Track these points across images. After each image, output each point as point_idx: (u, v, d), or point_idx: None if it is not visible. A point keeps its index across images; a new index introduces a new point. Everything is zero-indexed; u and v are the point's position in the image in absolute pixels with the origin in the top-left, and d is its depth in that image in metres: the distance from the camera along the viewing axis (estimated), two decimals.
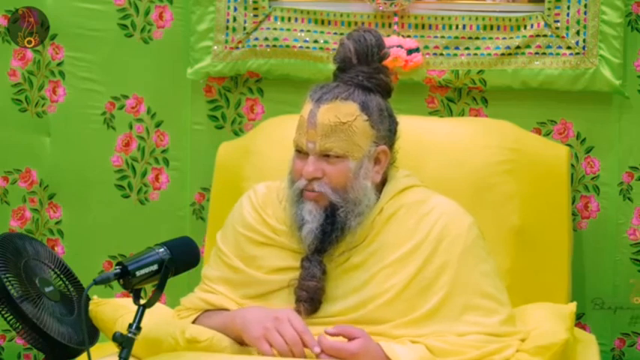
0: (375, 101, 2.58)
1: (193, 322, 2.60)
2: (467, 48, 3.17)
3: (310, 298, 2.53)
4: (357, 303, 2.53)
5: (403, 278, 2.52)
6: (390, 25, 3.19)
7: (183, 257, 2.35)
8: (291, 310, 2.49)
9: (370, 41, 2.62)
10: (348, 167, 2.54)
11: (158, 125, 3.41)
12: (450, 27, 3.18)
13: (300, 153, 2.57)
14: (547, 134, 3.19)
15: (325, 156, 2.53)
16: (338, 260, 2.57)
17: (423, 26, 3.19)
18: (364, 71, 2.60)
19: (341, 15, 3.22)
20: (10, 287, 2.87)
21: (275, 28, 3.25)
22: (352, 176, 2.54)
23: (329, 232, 2.53)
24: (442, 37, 3.18)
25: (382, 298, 2.52)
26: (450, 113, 3.24)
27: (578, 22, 3.11)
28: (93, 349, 2.60)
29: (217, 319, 2.57)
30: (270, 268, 2.60)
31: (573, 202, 3.16)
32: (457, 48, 3.17)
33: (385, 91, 2.63)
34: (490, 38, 3.16)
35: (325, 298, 2.55)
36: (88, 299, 2.71)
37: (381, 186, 2.63)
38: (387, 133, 2.60)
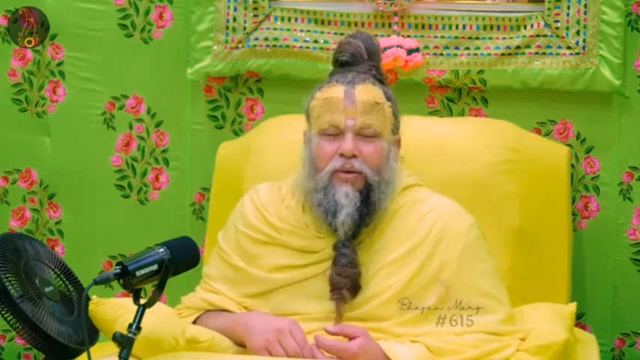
0: (390, 92, 2.63)
1: (194, 322, 2.60)
2: (467, 48, 3.17)
3: (352, 286, 2.52)
4: (358, 301, 2.53)
5: (403, 277, 2.53)
6: (390, 25, 3.19)
7: (183, 257, 2.35)
8: (292, 320, 2.48)
9: (376, 42, 2.69)
10: (382, 147, 2.56)
11: (158, 125, 3.41)
12: (450, 27, 3.18)
13: (329, 136, 2.56)
14: (547, 134, 3.20)
15: (360, 135, 2.54)
16: None
17: (423, 26, 3.19)
18: (376, 67, 2.65)
19: (341, 15, 3.22)
20: (10, 287, 2.87)
21: (275, 28, 3.25)
22: (385, 156, 2.56)
23: (364, 215, 2.53)
24: (442, 37, 3.18)
25: (382, 296, 2.52)
26: (450, 113, 3.24)
27: (578, 22, 3.11)
28: (93, 349, 2.60)
29: (218, 321, 2.57)
30: (271, 267, 2.60)
31: (573, 202, 3.16)
32: (457, 48, 3.17)
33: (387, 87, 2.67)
34: (490, 38, 3.16)
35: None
36: (88, 299, 2.71)
37: None
38: (399, 124, 2.64)
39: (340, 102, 2.55)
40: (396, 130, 2.63)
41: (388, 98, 2.60)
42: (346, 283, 2.52)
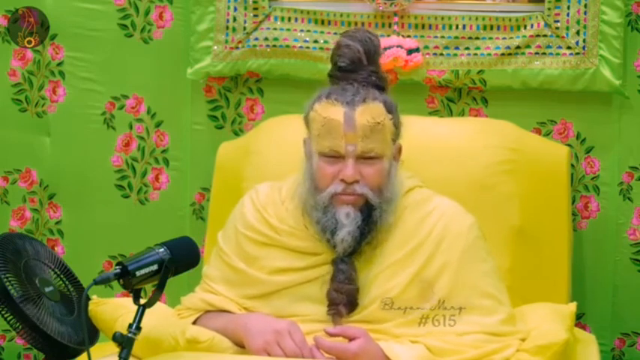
0: (390, 99, 2.60)
1: (194, 323, 2.60)
2: (467, 48, 3.17)
3: (349, 302, 2.53)
4: (360, 304, 2.53)
5: (404, 279, 2.52)
6: (390, 25, 3.19)
7: (183, 257, 2.35)
8: (291, 322, 2.48)
9: (375, 41, 2.64)
10: (384, 167, 2.54)
11: (158, 125, 3.41)
12: (450, 27, 3.18)
13: (330, 157, 2.54)
14: (547, 134, 3.19)
15: (362, 158, 2.52)
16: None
17: (423, 26, 3.19)
18: (375, 71, 2.61)
19: (341, 15, 3.22)
20: (10, 287, 2.87)
21: (275, 28, 3.25)
22: (386, 175, 2.55)
23: (365, 234, 2.53)
24: (442, 37, 3.18)
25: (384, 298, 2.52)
26: (450, 113, 3.24)
27: (578, 22, 3.11)
28: (93, 349, 2.59)
29: (218, 322, 2.56)
30: (271, 269, 2.60)
31: (573, 202, 3.16)
32: (457, 48, 3.17)
33: (387, 90, 2.65)
34: (490, 38, 3.16)
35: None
36: (88, 299, 2.71)
37: None
38: (400, 130, 2.62)
39: (340, 126, 2.51)
40: (396, 137, 2.60)
41: (389, 109, 2.56)
42: (343, 299, 2.52)
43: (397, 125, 2.59)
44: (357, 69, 2.61)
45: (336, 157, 2.53)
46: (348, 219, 2.52)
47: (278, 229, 2.61)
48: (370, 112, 2.53)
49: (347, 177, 2.51)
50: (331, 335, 2.43)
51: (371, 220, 2.53)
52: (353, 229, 2.52)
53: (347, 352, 2.40)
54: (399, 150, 2.63)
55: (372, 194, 2.52)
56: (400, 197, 2.60)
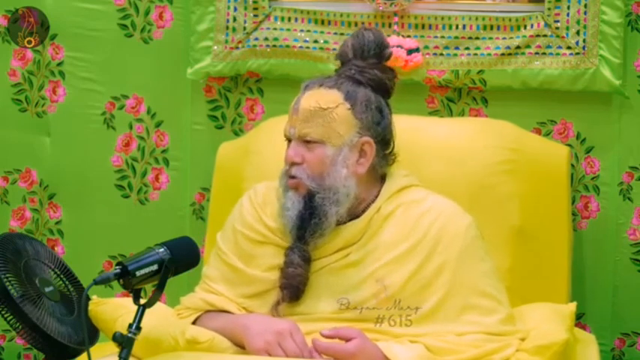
0: (363, 92, 2.61)
1: (194, 323, 2.60)
2: (467, 48, 3.17)
3: (289, 285, 2.54)
4: (354, 302, 2.53)
5: (400, 278, 2.52)
6: (390, 25, 3.19)
7: (183, 257, 2.35)
8: (293, 323, 2.49)
9: (368, 38, 2.66)
10: (325, 153, 2.56)
11: (158, 125, 3.41)
12: (450, 27, 3.18)
13: (288, 142, 2.62)
14: (547, 134, 3.20)
15: (305, 142, 2.57)
16: (335, 257, 2.57)
17: (423, 26, 3.19)
18: (358, 65, 2.64)
19: (341, 15, 3.22)
20: (10, 287, 2.88)
21: (275, 28, 3.25)
22: (329, 162, 2.56)
23: (307, 219, 2.55)
24: (442, 37, 3.18)
25: (379, 297, 2.52)
26: (450, 113, 3.24)
27: (578, 22, 3.11)
28: (93, 349, 2.60)
29: (218, 322, 2.57)
30: (267, 266, 2.61)
31: (573, 202, 3.16)
32: (457, 48, 3.17)
33: (379, 88, 2.65)
34: (490, 38, 3.16)
35: (322, 296, 2.55)
36: (88, 299, 2.71)
37: (379, 185, 2.63)
38: (373, 125, 2.60)
39: (291, 110, 2.62)
40: (364, 131, 2.58)
41: (349, 99, 2.58)
42: (285, 283, 2.55)
43: (361, 118, 2.58)
44: (344, 62, 2.67)
45: (289, 140, 2.60)
46: (291, 203, 2.57)
47: (273, 228, 2.63)
48: (318, 97, 2.58)
49: (286, 158, 2.58)
50: (326, 337, 2.43)
51: (313, 206, 2.55)
52: (294, 215, 2.55)
53: (344, 353, 2.40)
54: (369, 145, 2.59)
55: (308, 179, 2.56)
56: (392, 189, 2.61)
